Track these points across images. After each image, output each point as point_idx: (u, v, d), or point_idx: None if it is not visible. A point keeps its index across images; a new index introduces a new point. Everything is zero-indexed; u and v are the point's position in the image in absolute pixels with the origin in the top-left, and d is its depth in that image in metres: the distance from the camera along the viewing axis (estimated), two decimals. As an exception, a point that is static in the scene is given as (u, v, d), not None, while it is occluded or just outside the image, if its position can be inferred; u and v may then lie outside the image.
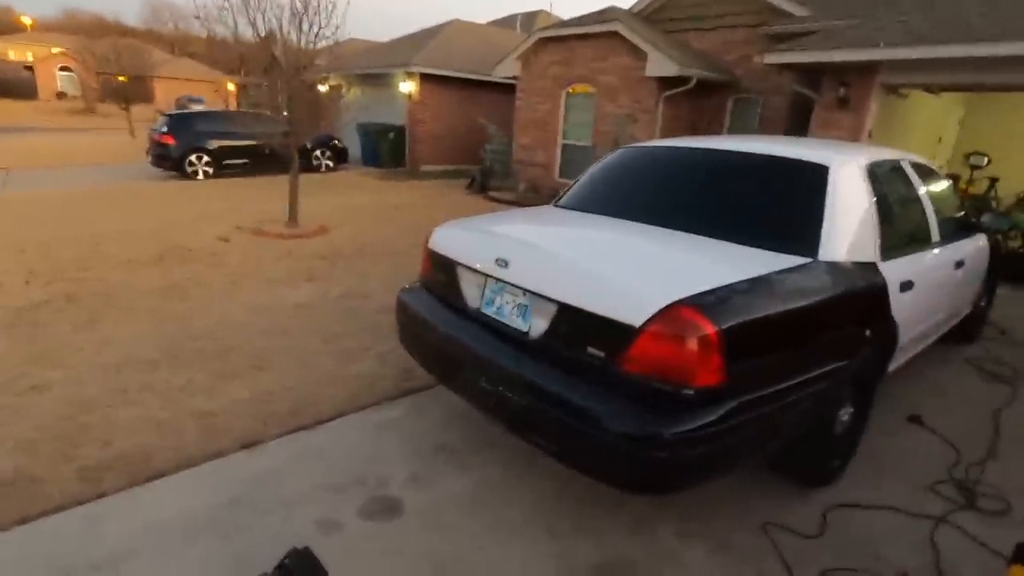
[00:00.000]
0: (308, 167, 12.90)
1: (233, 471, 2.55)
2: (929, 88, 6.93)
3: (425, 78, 14.32)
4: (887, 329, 2.56)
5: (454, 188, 12.67)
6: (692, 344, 1.76)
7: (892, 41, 6.00)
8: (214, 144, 12.21)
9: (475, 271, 2.48)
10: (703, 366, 1.77)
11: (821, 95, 7.09)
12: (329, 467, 2.60)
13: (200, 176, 12.17)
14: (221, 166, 12.39)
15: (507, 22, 26.29)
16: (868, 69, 6.55)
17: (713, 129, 10.24)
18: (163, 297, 4.74)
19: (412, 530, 2.22)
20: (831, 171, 2.54)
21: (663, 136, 9.72)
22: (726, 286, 1.92)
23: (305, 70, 7.13)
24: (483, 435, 2.89)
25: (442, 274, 2.73)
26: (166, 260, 5.86)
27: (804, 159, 2.66)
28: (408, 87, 14.54)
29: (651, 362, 1.82)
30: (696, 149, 3.08)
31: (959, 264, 3.34)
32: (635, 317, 1.84)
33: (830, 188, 2.47)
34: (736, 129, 10.05)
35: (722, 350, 1.77)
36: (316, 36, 6.89)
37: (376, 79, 15.57)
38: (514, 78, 11.93)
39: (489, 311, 2.42)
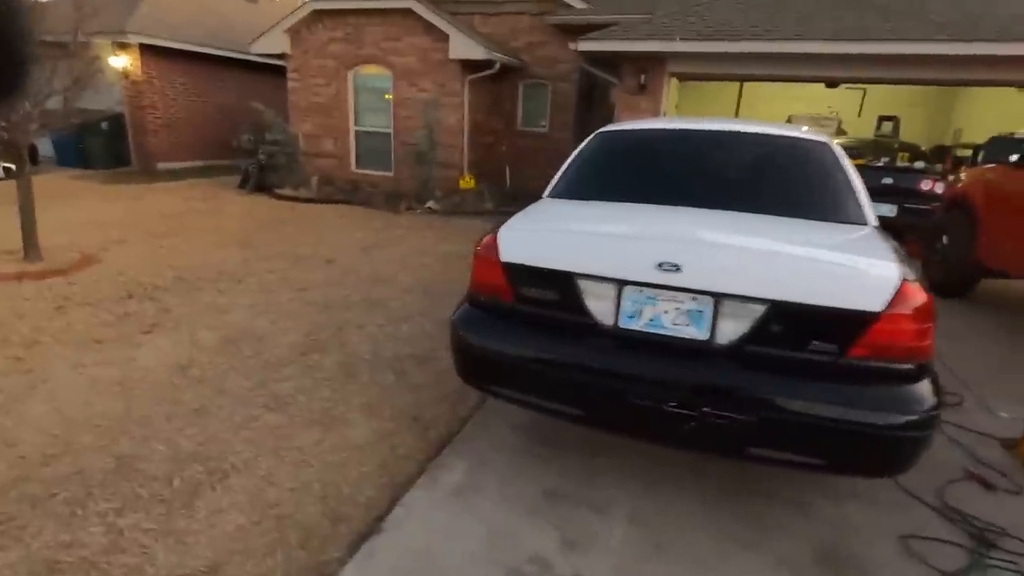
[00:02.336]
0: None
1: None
2: (710, 78, 8.44)
3: (148, 51, 11.33)
4: None
5: (221, 188, 10.49)
6: (924, 320, 1.82)
7: (679, 36, 7.09)
8: None
9: (612, 281, 2.08)
10: (927, 339, 1.85)
11: (622, 81, 7.99)
12: (460, 570, 1.93)
13: None
14: None
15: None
16: (660, 60, 7.62)
17: (508, 114, 10.64)
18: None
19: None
20: (832, 147, 2.88)
21: (470, 120, 9.70)
22: (903, 258, 2.02)
23: None
24: (577, 464, 2.51)
25: (544, 291, 2.22)
26: None
27: (805, 137, 2.96)
28: (122, 63, 11.29)
29: (887, 345, 1.82)
30: (705, 131, 3.13)
31: None
32: (874, 302, 1.80)
33: (844, 162, 2.80)
34: (528, 113, 10.63)
35: (934, 322, 1.87)
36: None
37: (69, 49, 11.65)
38: (281, 56, 10.32)
39: (634, 325, 2.07)
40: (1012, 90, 8.73)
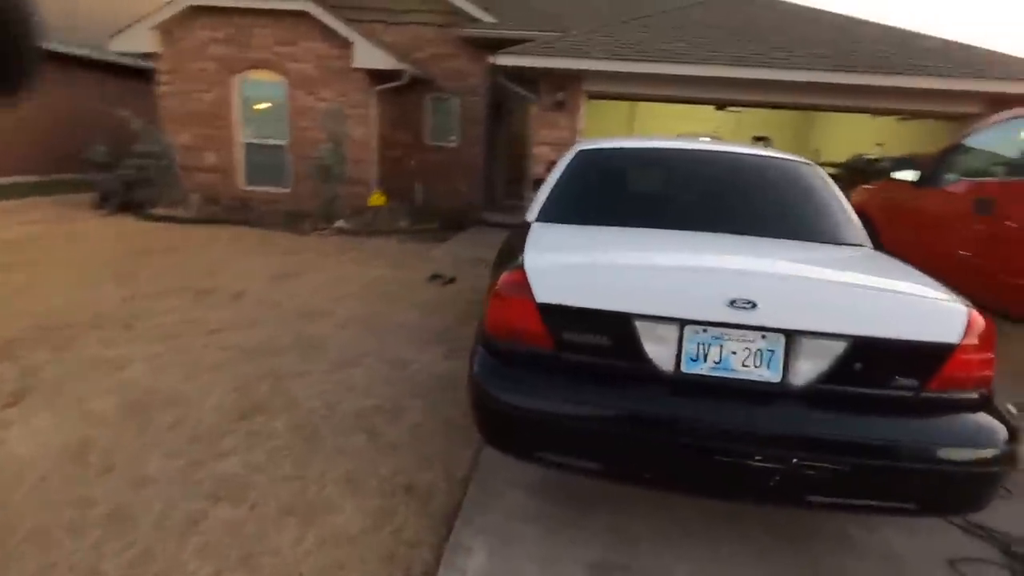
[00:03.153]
0: None
1: None
2: (622, 97, 8.63)
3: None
4: None
5: (72, 208, 8.86)
6: (991, 348, 1.79)
7: (599, 55, 7.19)
8: None
9: (675, 322, 1.83)
10: (993, 368, 1.83)
11: (540, 98, 7.93)
12: None
13: None
14: None
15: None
16: (577, 77, 7.67)
17: (416, 127, 10.18)
18: None
19: None
20: (815, 168, 2.92)
21: (378, 134, 9.11)
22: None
23: None
24: (612, 526, 2.22)
25: (594, 335, 1.91)
26: None
27: (790, 158, 2.97)
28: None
29: (963, 377, 1.76)
30: (698, 151, 3.04)
31: None
32: (951, 333, 1.74)
33: (830, 183, 2.85)
34: (437, 127, 10.25)
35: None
36: None
37: None
38: (148, 56, 8.97)
39: (698, 369, 1.84)
40: (865, 116, 10.01)
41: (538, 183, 5.24)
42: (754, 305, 1.77)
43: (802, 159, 2.98)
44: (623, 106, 13.42)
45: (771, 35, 7.82)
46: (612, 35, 7.75)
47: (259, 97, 9.13)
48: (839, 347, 1.76)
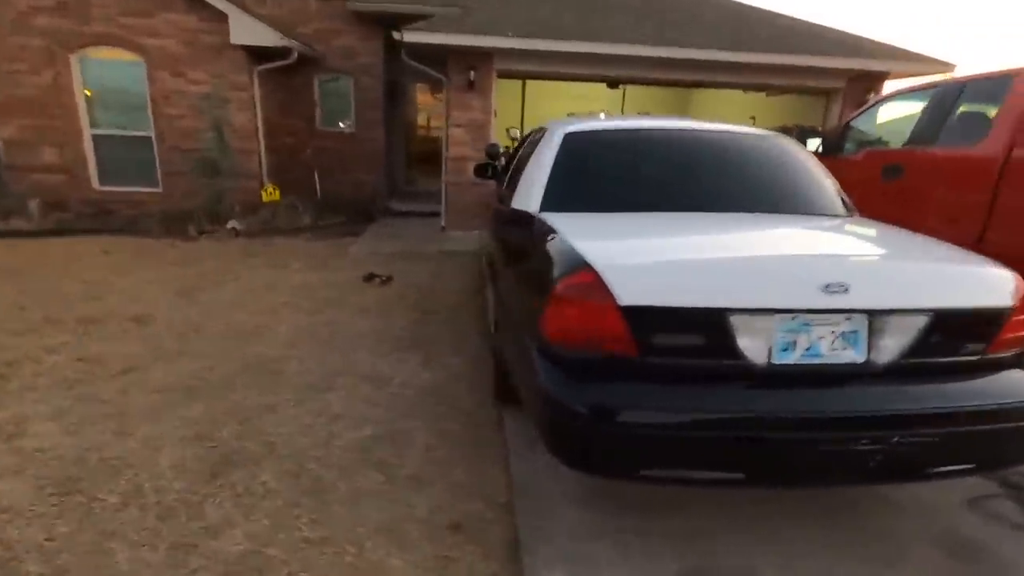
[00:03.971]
0: None
1: None
2: (532, 76, 8.40)
3: None
4: None
5: None
6: None
7: (506, 33, 6.95)
8: None
9: (769, 312, 1.74)
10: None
11: (451, 78, 7.52)
12: None
13: None
14: None
15: None
16: (488, 56, 7.36)
17: (307, 112, 9.22)
18: None
19: None
20: (794, 142, 3.02)
21: (264, 120, 8.10)
22: None
23: None
24: (681, 530, 2.13)
25: (685, 335, 1.76)
26: None
27: (761, 132, 3.05)
28: None
29: (1017, 337, 1.88)
30: (687, 130, 2.99)
31: None
32: (1007, 299, 1.83)
33: (811, 155, 2.95)
34: (330, 111, 9.38)
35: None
36: None
37: None
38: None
39: (790, 359, 1.78)
40: (737, 91, 10.86)
41: (482, 168, 4.99)
42: (846, 289, 1.73)
43: (769, 133, 3.06)
44: (515, 86, 13.32)
45: (668, 13, 8.12)
46: (523, 12, 7.55)
47: (110, 80, 7.65)
48: (921, 321, 1.79)
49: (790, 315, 1.76)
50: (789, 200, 2.67)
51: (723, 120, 3.37)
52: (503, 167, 4.72)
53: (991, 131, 3.69)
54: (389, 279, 5.34)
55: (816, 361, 1.79)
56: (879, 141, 5.02)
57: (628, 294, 1.72)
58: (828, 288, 1.73)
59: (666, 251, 1.95)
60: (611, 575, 1.90)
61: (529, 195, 2.79)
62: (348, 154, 9.34)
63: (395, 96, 10.25)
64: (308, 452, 2.54)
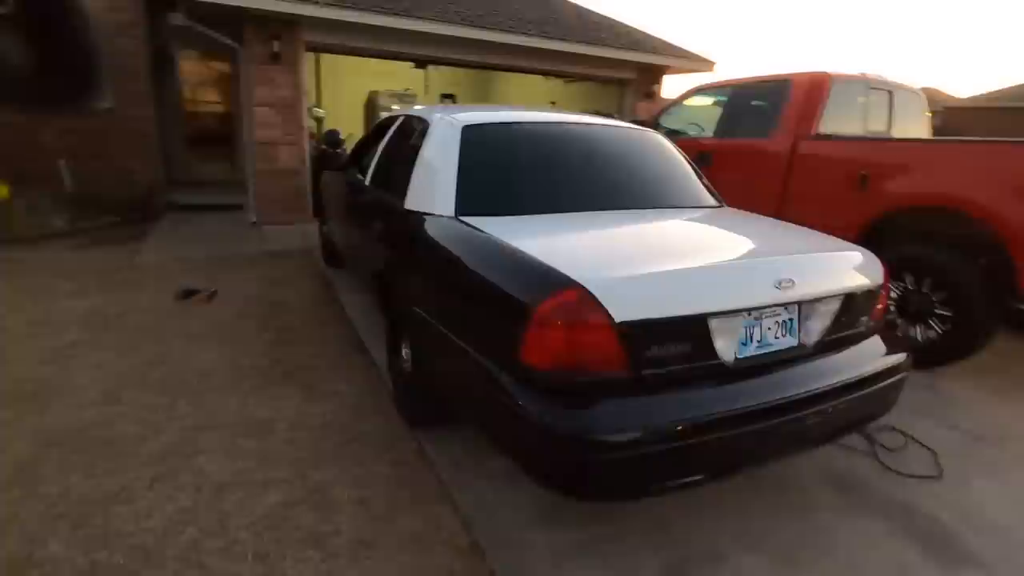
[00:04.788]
0: None
1: None
2: (342, 51, 7.48)
3: None
4: None
5: None
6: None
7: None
8: None
9: (738, 313, 1.83)
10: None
11: (250, 48, 6.39)
12: None
13: None
14: None
15: None
16: (294, 25, 6.44)
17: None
18: None
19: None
20: (658, 135, 3.26)
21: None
22: None
23: None
24: (655, 530, 2.18)
25: (671, 345, 1.73)
26: None
27: (638, 128, 3.23)
28: None
29: (884, 307, 2.33)
30: (585, 126, 2.96)
31: None
32: (879, 277, 2.25)
33: (676, 148, 3.21)
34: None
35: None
36: None
37: None
38: None
39: (750, 352, 1.91)
40: (538, 77, 11.45)
41: (328, 160, 4.38)
42: (793, 283, 1.91)
43: (645, 128, 3.27)
44: (309, 60, 12.04)
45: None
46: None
47: None
48: (835, 304, 2.07)
49: (752, 312, 1.88)
50: (678, 194, 2.86)
51: (529, 104, 3.50)
52: (351, 157, 4.22)
53: (779, 125, 4.51)
54: (214, 294, 4.42)
55: (768, 350, 1.95)
56: (690, 130, 5.74)
57: (623, 310, 1.65)
58: (780, 284, 1.88)
59: (636, 261, 1.90)
60: (609, 592, 1.85)
61: (433, 196, 2.52)
62: (107, 137, 7.45)
63: (164, 65, 8.44)
64: (202, 546, 1.95)
